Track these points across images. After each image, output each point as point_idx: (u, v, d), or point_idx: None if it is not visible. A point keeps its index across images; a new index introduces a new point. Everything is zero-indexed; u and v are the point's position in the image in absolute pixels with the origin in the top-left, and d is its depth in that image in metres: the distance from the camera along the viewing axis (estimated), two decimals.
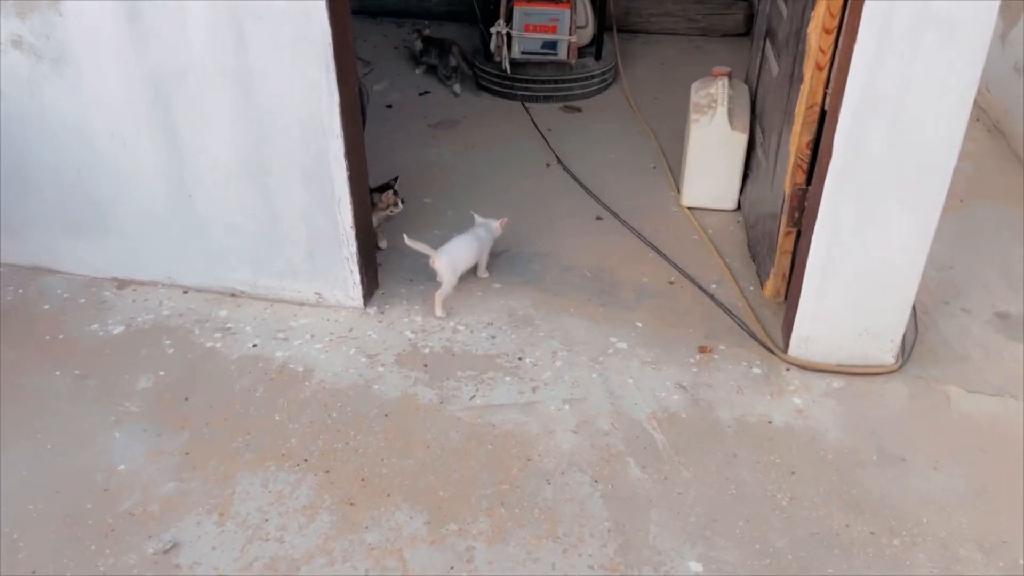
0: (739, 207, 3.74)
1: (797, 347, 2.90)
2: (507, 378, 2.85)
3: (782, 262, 3.03)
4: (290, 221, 3.00)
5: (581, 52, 4.73)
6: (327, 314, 3.13)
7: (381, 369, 2.88)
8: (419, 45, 4.93)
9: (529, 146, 4.31)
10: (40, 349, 2.94)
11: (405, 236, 3.13)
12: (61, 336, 3.00)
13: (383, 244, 3.48)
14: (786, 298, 3.06)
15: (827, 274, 2.75)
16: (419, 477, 2.49)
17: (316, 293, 3.14)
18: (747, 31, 5.51)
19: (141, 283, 3.25)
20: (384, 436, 2.62)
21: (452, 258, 3.14)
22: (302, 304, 3.17)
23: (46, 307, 3.13)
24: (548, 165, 4.13)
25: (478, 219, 3.34)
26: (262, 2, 2.62)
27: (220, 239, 3.09)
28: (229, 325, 3.07)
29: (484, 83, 4.82)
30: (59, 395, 2.76)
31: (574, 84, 4.70)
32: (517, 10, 4.37)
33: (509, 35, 4.41)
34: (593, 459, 2.56)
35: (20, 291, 3.20)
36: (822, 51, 2.61)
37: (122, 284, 3.26)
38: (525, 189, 3.93)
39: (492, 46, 4.48)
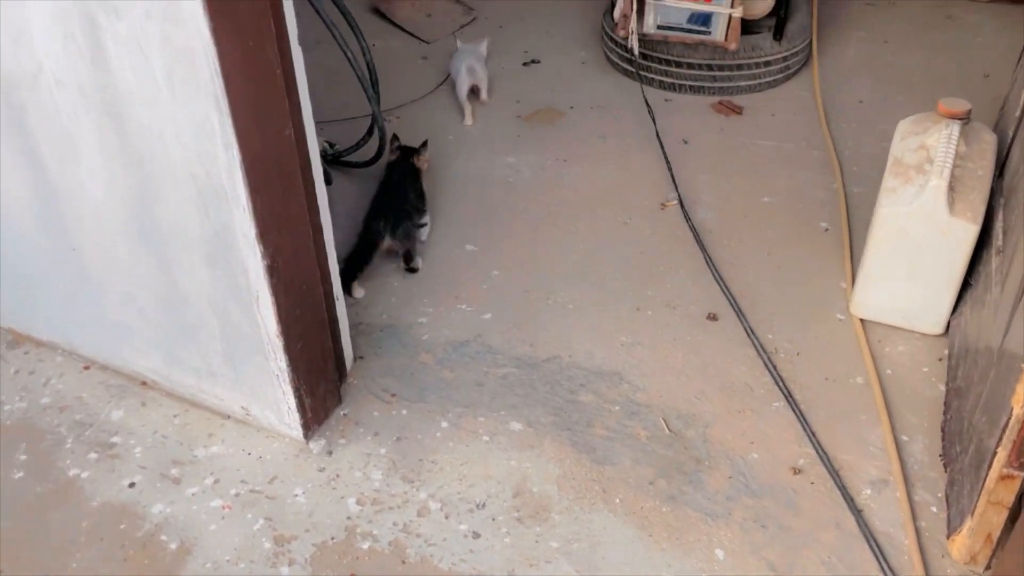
0: (947, 331, 2.32)
1: None
2: None
3: (990, 516, 1.66)
4: (198, 308, 1.98)
5: (753, 27, 3.28)
6: (252, 442, 2.11)
7: (285, 572, 1.85)
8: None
9: (648, 165, 3.01)
10: None
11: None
12: None
13: (358, 294, 2.46)
14: (986, 569, 1.71)
15: None
16: None
17: (242, 407, 2.13)
18: None
19: (38, 343, 2.36)
20: None
21: (478, 59, 3.32)
22: (227, 417, 2.17)
23: None
24: (663, 206, 2.83)
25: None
26: None
27: (118, 311, 2.12)
28: (116, 439, 2.12)
29: (612, 59, 3.50)
30: None
31: (737, 73, 3.29)
32: None
33: None
34: None
35: None
36: None
37: (17, 340, 2.38)
38: (616, 248, 2.67)
39: (616, 14, 3.14)
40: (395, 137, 2.75)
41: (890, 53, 3.61)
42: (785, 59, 3.33)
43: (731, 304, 2.45)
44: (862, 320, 2.38)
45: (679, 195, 2.84)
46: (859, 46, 3.66)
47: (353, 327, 2.39)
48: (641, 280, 2.55)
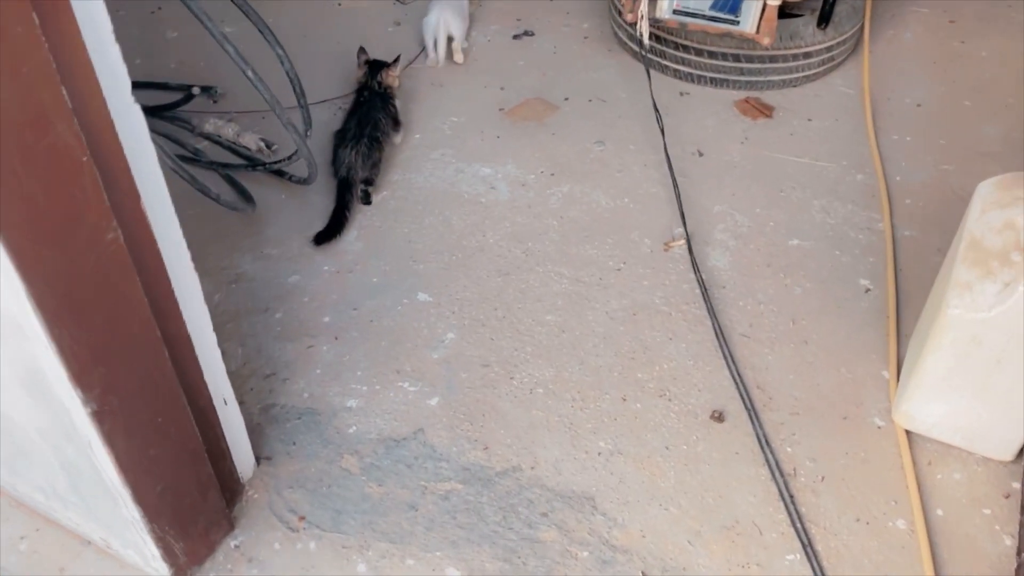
0: (1019, 456, 1.81)
1: None
2: None
3: None
4: (29, 436, 1.49)
5: (793, 8, 2.66)
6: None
7: None
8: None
9: (653, 186, 2.45)
10: None
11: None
12: None
13: None
14: None
15: None
16: None
17: (102, 538, 1.66)
18: None
19: None
20: None
21: (455, 10, 2.78)
22: (87, 543, 1.71)
23: None
24: (667, 246, 2.28)
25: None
26: None
27: None
28: None
29: (620, 36, 2.88)
30: None
31: (769, 65, 2.68)
32: None
33: None
34: None
35: None
36: None
37: None
38: (605, 307, 2.14)
39: None
40: (362, 50, 2.58)
41: (957, 37, 2.98)
42: (829, 49, 2.71)
43: (742, 397, 1.93)
44: (908, 432, 1.87)
45: (687, 232, 2.29)
46: (919, 27, 3.02)
47: (264, 411, 1.91)
48: (631, 356, 2.03)
